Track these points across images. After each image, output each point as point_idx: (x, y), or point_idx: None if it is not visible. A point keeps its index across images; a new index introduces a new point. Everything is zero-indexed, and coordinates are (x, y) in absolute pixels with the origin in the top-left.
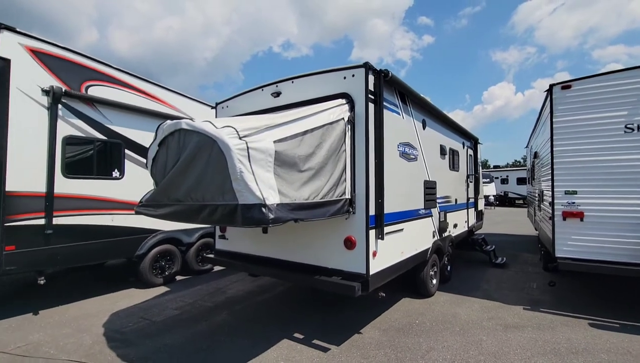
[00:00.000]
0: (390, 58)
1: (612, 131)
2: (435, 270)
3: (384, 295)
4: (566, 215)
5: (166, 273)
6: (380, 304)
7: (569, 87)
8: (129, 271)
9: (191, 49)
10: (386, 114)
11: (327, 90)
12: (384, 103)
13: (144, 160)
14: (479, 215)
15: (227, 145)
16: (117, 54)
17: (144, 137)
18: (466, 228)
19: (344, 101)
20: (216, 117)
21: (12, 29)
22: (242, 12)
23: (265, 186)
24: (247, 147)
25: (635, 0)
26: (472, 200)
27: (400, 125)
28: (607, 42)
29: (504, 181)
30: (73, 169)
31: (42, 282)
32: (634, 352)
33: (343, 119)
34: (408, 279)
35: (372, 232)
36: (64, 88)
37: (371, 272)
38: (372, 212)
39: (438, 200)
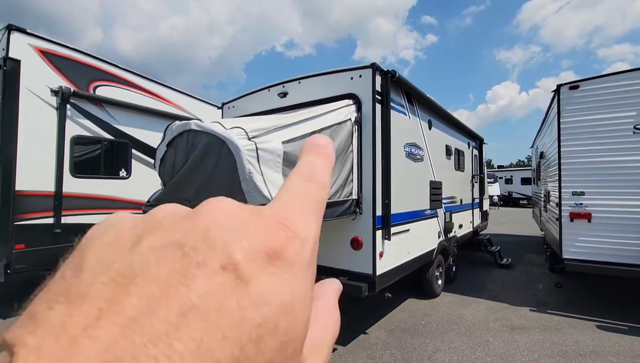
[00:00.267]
0: (394, 57)
1: (621, 132)
2: (441, 270)
3: (390, 295)
4: (573, 216)
5: None
6: (386, 304)
7: (576, 87)
8: None
9: (195, 48)
10: (393, 114)
11: (333, 91)
12: (391, 103)
13: (151, 160)
14: (484, 215)
15: (236, 146)
16: (121, 53)
17: (151, 136)
18: (471, 229)
19: (351, 102)
20: (222, 117)
21: (22, 30)
22: (246, 11)
23: (273, 187)
24: (256, 148)
25: None
26: (477, 200)
27: (406, 125)
28: (613, 40)
29: (508, 181)
30: (81, 169)
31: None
32: None
33: (350, 119)
34: (413, 280)
35: (378, 233)
36: (72, 88)
37: (378, 273)
38: (378, 212)
39: (443, 201)
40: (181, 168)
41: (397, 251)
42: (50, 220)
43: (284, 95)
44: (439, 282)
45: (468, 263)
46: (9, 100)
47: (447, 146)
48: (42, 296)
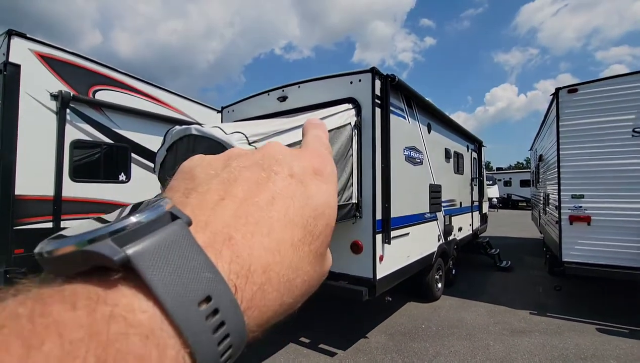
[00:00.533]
0: (392, 60)
1: (620, 135)
2: (441, 274)
3: (391, 299)
4: (573, 219)
5: None
6: (386, 308)
7: (575, 90)
8: None
9: (193, 51)
10: (392, 118)
11: (333, 95)
12: (390, 107)
13: (150, 164)
14: (484, 218)
15: None
16: (120, 56)
17: (150, 140)
18: (471, 232)
19: (350, 106)
20: (222, 120)
21: (22, 35)
22: (245, 14)
23: None
24: None
25: (638, 1)
26: (476, 203)
27: (406, 129)
28: (611, 43)
29: (507, 183)
30: (80, 173)
31: None
32: None
33: (350, 123)
34: (413, 283)
35: (378, 237)
36: (72, 93)
37: (378, 277)
38: (378, 216)
39: (443, 204)
40: None
41: (397, 255)
42: (50, 225)
43: (283, 99)
44: (439, 285)
45: (468, 266)
46: (8, 104)
47: (446, 149)
48: (169, 194)
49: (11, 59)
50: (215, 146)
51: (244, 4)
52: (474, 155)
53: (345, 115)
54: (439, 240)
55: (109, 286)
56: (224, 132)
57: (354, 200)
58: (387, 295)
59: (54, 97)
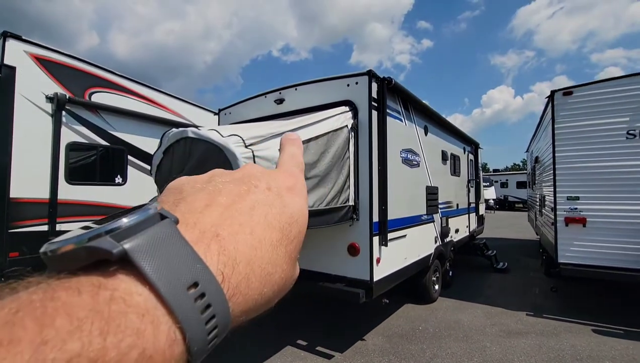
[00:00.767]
0: (390, 62)
1: (614, 137)
2: (438, 275)
3: (388, 301)
4: (568, 221)
5: None
6: (383, 310)
7: (570, 93)
8: None
9: (191, 52)
10: (389, 121)
11: (330, 98)
12: (387, 110)
13: (147, 166)
14: (480, 219)
15: (233, 153)
16: (117, 58)
17: (147, 143)
18: (467, 233)
19: (347, 108)
20: (219, 123)
21: (17, 37)
22: (243, 15)
23: None
24: (254, 156)
25: (634, 4)
26: (473, 204)
27: (402, 131)
28: (606, 45)
29: (504, 185)
30: (76, 175)
31: None
32: (639, 359)
33: (347, 126)
34: (410, 285)
35: (375, 239)
36: (67, 95)
37: (375, 279)
38: (375, 218)
39: (440, 206)
40: (178, 175)
41: (394, 257)
42: (45, 228)
43: (280, 101)
44: (436, 287)
45: (465, 268)
46: (3, 107)
47: (443, 151)
48: (161, 204)
49: (6, 61)
50: (212, 149)
51: (242, 5)
52: (471, 157)
53: (342, 117)
54: (435, 242)
55: (109, 275)
56: (221, 135)
57: (351, 203)
58: (384, 297)
59: (50, 99)
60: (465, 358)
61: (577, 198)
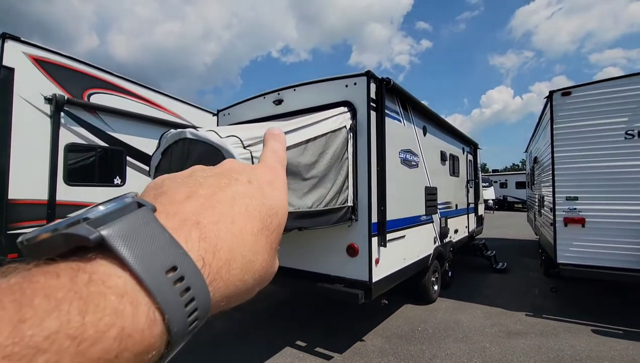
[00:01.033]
0: (389, 63)
1: (613, 137)
2: (437, 276)
3: (387, 302)
4: (567, 221)
5: None
6: (382, 311)
7: (568, 93)
8: None
9: (190, 53)
10: (388, 121)
11: (328, 98)
12: (386, 110)
13: (146, 167)
14: (479, 220)
15: (231, 154)
16: (117, 59)
17: (146, 144)
18: (467, 234)
19: (345, 109)
20: (218, 124)
21: (16, 38)
22: (242, 16)
23: None
24: (252, 157)
25: (633, 4)
26: (472, 205)
27: (401, 132)
28: (605, 46)
29: (503, 185)
30: (75, 176)
31: None
32: (639, 359)
33: (345, 126)
34: (410, 286)
35: (374, 240)
36: (66, 96)
37: (374, 280)
38: (374, 219)
39: (439, 206)
40: None
41: (393, 257)
42: None
43: (279, 102)
44: (435, 287)
45: (464, 268)
46: (2, 108)
47: (441, 152)
48: (144, 197)
49: (5, 63)
50: (210, 150)
51: (242, 6)
52: (470, 157)
53: (340, 118)
54: (435, 242)
55: (88, 260)
56: (219, 136)
57: (350, 203)
58: (384, 298)
59: (48, 100)
60: (465, 359)
61: (576, 198)
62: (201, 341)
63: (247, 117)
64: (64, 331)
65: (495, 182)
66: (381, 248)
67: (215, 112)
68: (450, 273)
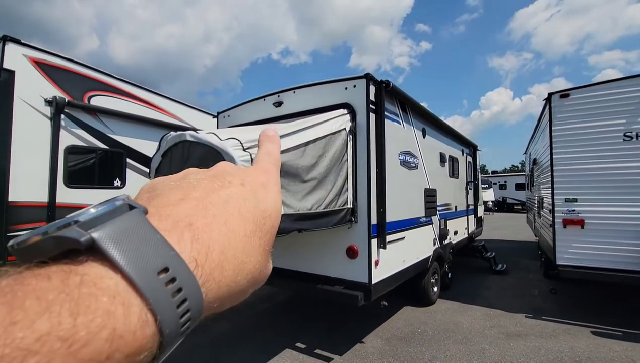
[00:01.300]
0: (389, 65)
1: (611, 139)
2: (437, 278)
3: (386, 304)
4: (567, 223)
5: None
6: (382, 313)
7: (567, 95)
8: None
9: (191, 55)
10: (387, 123)
11: (328, 101)
12: (385, 113)
13: (146, 169)
14: (479, 221)
15: (231, 157)
16: (117, 61)
17: (146, 146)
18: (466, 235)
19: (345, 111)
20: (218, 126)
21: (16, 41)
22: (242, 19)
23: None
24: (252, 159)
25: (631, 6)
26: (471, 207)
27: (400, 134)
28: (604, 48)
29: (503, 186)
30: (75, 179)
31: None
32: (638, 361)
33: (345, 129)
34: (409, 287)
35: (374, 241)
36: (66, 98)
37: (374, 281)
38: (374, 221)
39: (438, 208)
40: None
41: (392, 259)
42: None
43: (279, 104)
44: (435, 289)
45: (463, 270)
46: (2, 110)
47: (441, 154)
48: (137, 200)
49: (5, 65)
50: (210, 152)
51: (242, 9)
52: (469, 159)
53: (340, 120)
54: (434, 244)
55: (79, 263)
56: (219, 138)
57: (349, 205)
58: (383, 300)
59: (49, 102)
60: (465, 361)
61: (575, 200)
62: (199, 344)
63: (247, 120)
64: (55, 333)
65: (495, 183)
66: (381, 250)
67: (215, 114)
68: (449, 274)
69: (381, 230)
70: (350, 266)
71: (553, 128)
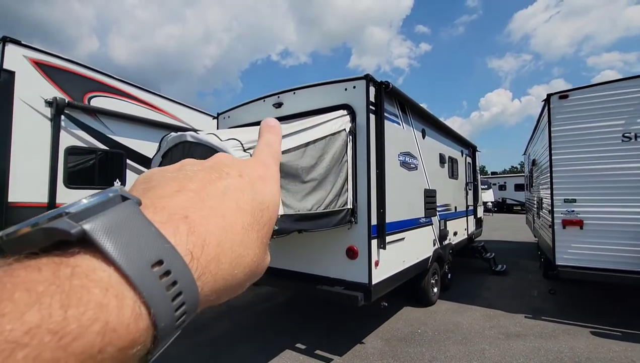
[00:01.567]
0: (388, 66)
1: (610, 140)
2: (436, 278)
3: (386, 304)
4: (566, 223)
5: None
6: (382, 313)
7: (566, 96)
8: None
9: (191, 56)
10: (387, 124)
11: (328, 101)
12: (385, 113)
13: (146, 170)
14: (478, 222)
15: None
16: (117, 62)
17: (146, 146)
18: (466, 236)
19: (345, 112)
20: (218, 127)
21: (17, 42)
22: (242, 20)
23: None
24: None
25: (630, 8)
26: (471, 207)
27: (400, 135)
28: (603, 49)
29: (502, 187)
30: (75, 179)
31: None
32: (638, 361)
33: (344, 129)
34: (409, 288)
35: (374, 242)
36: (66, 99)
37: (373, 282)
38: (373, 221)
39: (438, 209)
40: None
41: (392, 260)
42: None
43: (279, 105)
44: (435, 290)
45: (463, 270)
46: (2, 111)
47: (440, 155)
48: (133, 192)
49: (5, 66)
50: (211, 153)
51: (242, 9)
52: (469, 160)
53: (340, 121)
54: (434, 244)
55: (71, 255)
56: (219, 139)
57: (349, 206)
58: (383, 300)
59: (49, 103)
60: (464, 361)
61: (574, 200)
62: (200, 343)
63: (247, 120)
64: (45, 325)
65: (494, 184)
66: (381, 250)
67: (216, 115)
68: (449, 275)
69: (381, 231)
70: (350, 266)
71: (552, 129)
